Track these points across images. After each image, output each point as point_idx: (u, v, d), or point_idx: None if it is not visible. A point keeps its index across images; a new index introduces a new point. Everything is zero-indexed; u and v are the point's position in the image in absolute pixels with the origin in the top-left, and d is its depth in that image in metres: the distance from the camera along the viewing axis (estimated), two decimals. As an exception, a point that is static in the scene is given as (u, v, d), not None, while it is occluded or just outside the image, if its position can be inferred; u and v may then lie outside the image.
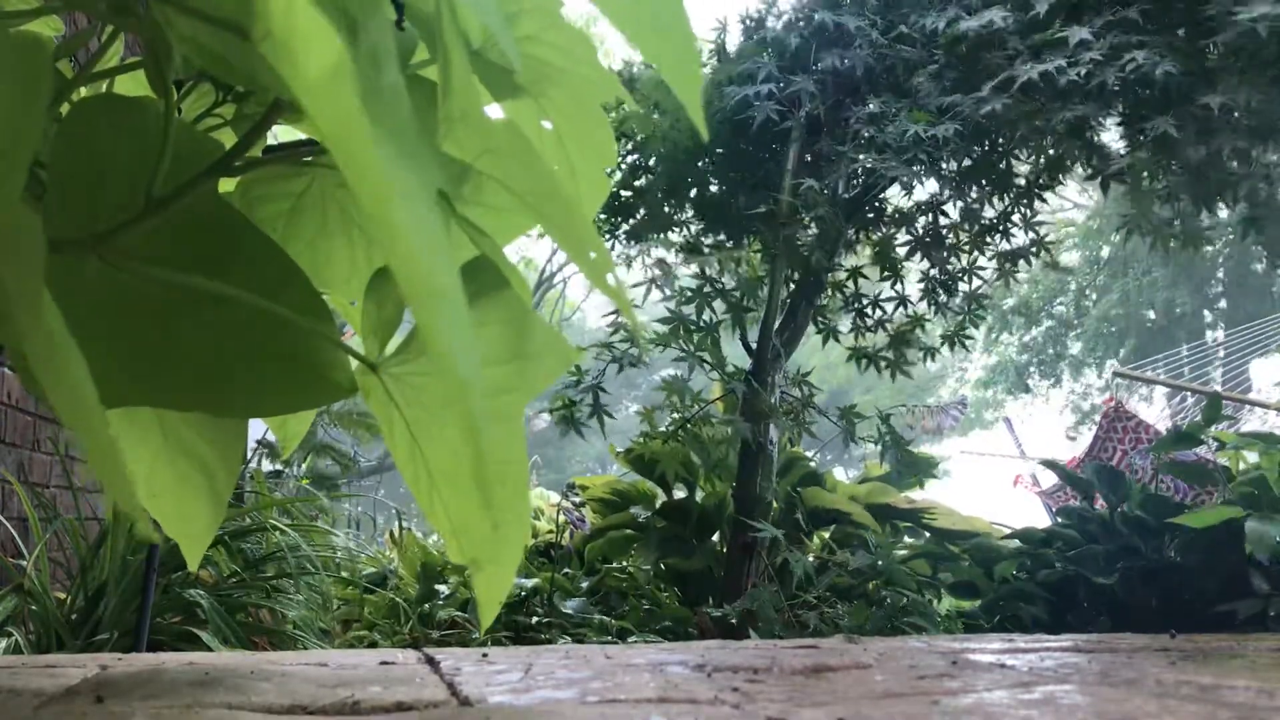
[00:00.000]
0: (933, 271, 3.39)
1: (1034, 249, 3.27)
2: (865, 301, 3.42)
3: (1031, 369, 18.12)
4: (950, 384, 20.68)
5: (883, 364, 3.33)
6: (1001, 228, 3.28)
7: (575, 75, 0.82)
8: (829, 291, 3.41)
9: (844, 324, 3.47)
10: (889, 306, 3.41)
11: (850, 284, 3.42)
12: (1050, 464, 4.89)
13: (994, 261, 3.35)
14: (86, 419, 0.47)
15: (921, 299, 3.40)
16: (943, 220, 3.33)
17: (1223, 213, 2.88)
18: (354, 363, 0.74)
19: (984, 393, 19.31)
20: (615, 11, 0.67)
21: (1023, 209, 3.24)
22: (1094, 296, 16.93)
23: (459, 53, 0.61)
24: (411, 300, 0.40)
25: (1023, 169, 3.17)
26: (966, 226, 3.31)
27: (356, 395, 0.75)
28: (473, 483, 0.74)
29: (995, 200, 3.25)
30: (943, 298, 3.38)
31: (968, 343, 3.37)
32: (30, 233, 0.46)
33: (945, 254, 3.32)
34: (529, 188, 0.73)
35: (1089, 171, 2.86)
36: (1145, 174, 2.61)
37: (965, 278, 3.36)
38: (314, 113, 0.38)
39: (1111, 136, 2.89)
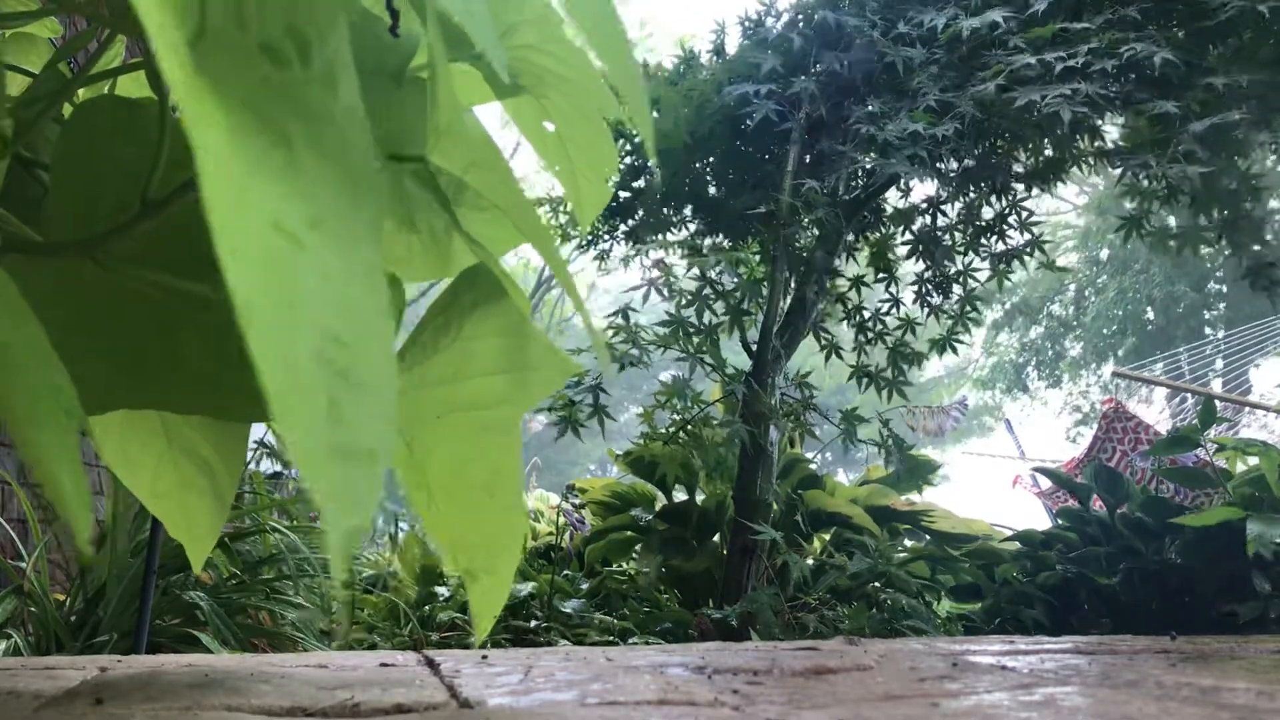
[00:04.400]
0: (928, 274, 3.39)
1: (1028, 249, 3.27)
2: (867, 314, 3.41)
3: (1030, 369, 18.11)
4: (947, 383, 20.67)
5: (882, 383, 3.31)
6: (998, 229, 3.28)
7: (575, 83, 0.82)
8: (830, 302, 3.39)
9: (845, 335, 3.46)
10: (887, 314, 3.41)
11: (853, 294, 3.41)
12: (1045, 471, 4.89)
13: (988, 263, 3.35)
14: (40, 443, 0.46)
15: (915, 301, 3.40)
16: (940, 221, 3.33)
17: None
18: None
19: (983, 394, 19.29)
20: (581, 22, 0.68)
21: (1019, 211, 3.24)
22: (1093, 297, 16.93)
23: (444, 64, 0.61)
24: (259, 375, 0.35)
25: (1021, 169, 3.17)
26: (962, 228, 3.31)
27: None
28: (473, 493, 0.74)
29: (993, 200, 3.25)
30: (936, 300, 3.38)
31: (959, 346, 3.36)
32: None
33: (941, 255, 3.32)
34: (507, 201, 0.74)
35: (1091, 153, 2.85)
36: (1144, 146, 2.58)
37: (960, 280, 3.36)
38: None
39: (1110, 132, 2.89)
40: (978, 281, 3.36)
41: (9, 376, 0.46)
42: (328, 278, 0.39)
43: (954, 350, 3.36)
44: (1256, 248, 2.59)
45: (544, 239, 0.72)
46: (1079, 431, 17.42)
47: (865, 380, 3.33)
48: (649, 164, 3.34)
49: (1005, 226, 3.27)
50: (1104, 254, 16.61)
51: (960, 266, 3.35)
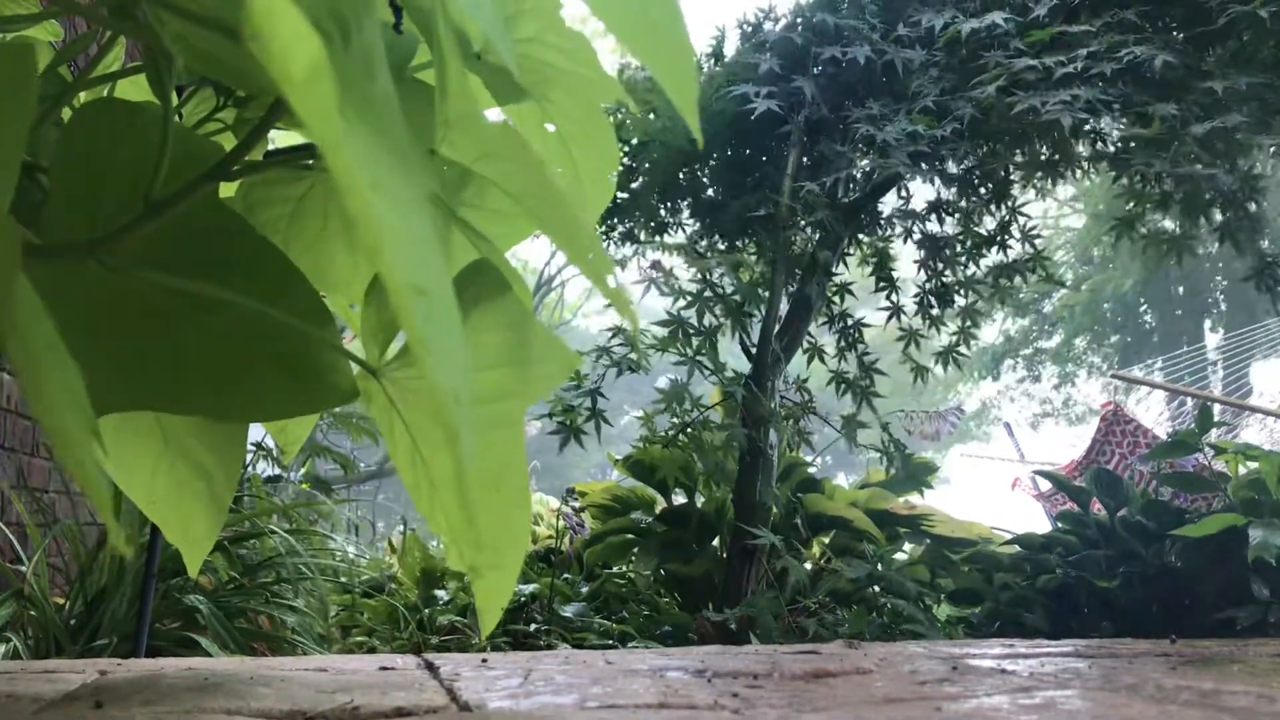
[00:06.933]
0: (928, 284, 3.40)
1: (1030, 263, 3.28)
2: (850, 322, 3.42)
3: (1011, 360, 18.09)
4: (946, 383, 20.67)
5: (857, 391, 3.31)
6: (999, 239, 3.28)
7: (577, 77, 0.82)
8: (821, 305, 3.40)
9: (827, 338, 3.46)
10: (876, 320, 3.41)
11: (837, 300, 3.42)
12: (1044, 473, 4.88)
13: (989, 276, 3.35)
14: (65, 431, 0.46)
15: (917, 313, 3.41)
16: (941, 229, 3.33)
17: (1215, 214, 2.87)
18: (355, 367, 0.74)
19: (978, 389, 19.26)
20: (608, 13, 0.67)
21: (1018, 217, 3.25)
22: (1086, 290, 16.93)
23: (454, 56, 0.61)
24: (393, 299, 0.39)
25: (1020, 170, 3.17)
26: (963, 238, 3.31)
27: (357, 399, 0.74)
28: (477, 488, 0.74)
29: (993, 207, 3.25)
30: (936, 310, 3.39)
31: (962, 355, 3.37)
32: (4, 239, 0.46)
33: (941, 266, 3.32)
34: (526, 190, 0.73)
35: (1088, 156, 2.85)
36: (1144, 149, 2.59)
37: (961, 291, 3.36)
38: (300, 111, 0.38)
39: (1110, 135, 2.89)
40: (979, 294, 3.36)
41: (37, 373, 0.46)
42: (394, 235, 0.40)
43: (958, 365, 3.37)
44: (1262, 246, 2.59)
45: (564, 226, 0.72)
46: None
47: (842, 386, 3.34)
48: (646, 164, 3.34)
49: (1006, 236, 3.27)
50: (1096, 252, 16.60)
51: (961, 278, 3.36)
